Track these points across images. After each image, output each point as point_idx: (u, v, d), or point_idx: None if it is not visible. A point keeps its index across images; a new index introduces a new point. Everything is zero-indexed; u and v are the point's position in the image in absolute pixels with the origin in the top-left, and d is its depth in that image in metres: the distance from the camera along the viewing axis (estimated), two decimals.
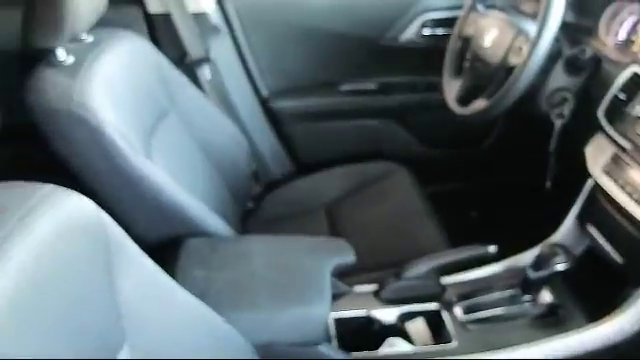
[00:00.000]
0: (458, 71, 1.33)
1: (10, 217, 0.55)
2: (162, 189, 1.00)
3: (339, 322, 1.04)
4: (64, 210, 0.60)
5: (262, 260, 0.96)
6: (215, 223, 1.07)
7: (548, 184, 1.14)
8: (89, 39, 1.10)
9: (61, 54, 1.00)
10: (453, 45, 1.35)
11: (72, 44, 1.03)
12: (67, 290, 0.58)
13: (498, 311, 1.05)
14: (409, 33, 1.55)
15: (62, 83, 0.95)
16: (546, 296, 1.06)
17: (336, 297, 1.00)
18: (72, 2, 0.93)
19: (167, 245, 1.01)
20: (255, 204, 1.52)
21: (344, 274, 1.05)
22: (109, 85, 1.01)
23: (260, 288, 0.90)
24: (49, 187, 0.62)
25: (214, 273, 0.92)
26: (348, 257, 1.01)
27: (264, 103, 1.59)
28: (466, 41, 1.31)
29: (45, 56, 1.01)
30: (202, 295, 0.78)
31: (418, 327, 1.05)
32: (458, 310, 1.05)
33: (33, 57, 1.02)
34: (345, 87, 1.60)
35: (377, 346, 1.01)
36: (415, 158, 1.60)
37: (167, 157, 1.13)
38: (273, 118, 1.61)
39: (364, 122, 1.64)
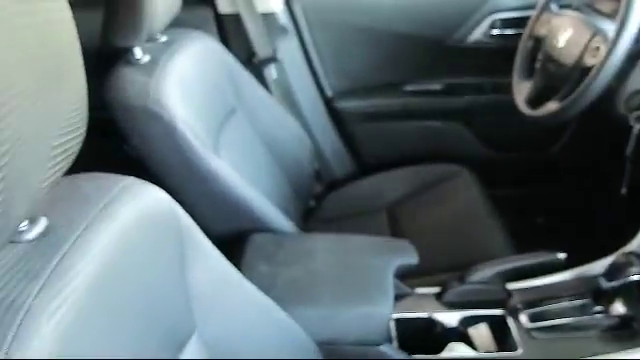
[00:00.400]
0: (529, 72, 1.30)
1: (94, 206, 0.58)
2: (229, 184, 1.03)
3: (399, 323, 1.03)
4: (143, 201, 0.62)
5: (326, 258, 0.97)
6: (280, 220, 1.09)
7: (624, 190, 1.09)
8: (163, 39, 1.15)
9: (138, 53, 1.04)
10: (524, 45, 1.31)
11: (148, 43, 1.08)
12: (143, 278, 0.61)
13: (567, 321, 1.01)
14: (477, 33, 1.52)
15: (139, 81, 0.99)
16: (619, 307, 1.01)
17: (397, 298, 0.99)
18: (150, 4, 0.97)
19: (233, 239, 1.03)
20: (316, 203, 1.53)
21: (405, 275, 1.04)
22: (182, 83, 1.05)
23: (323, 285, 0.91)
24: (129, 179, 0.65)
25: (278, 269, 0.93)
26: (411, 258, 1.01)
27: (328, 103, 1.60)
28: (538, 41, 1.28)
29: (123, 55, 1.06)
30: (266, 290, 0.79)
31: (481, 333, 1.02)
32: (524, 317, 1.02)
33: (112, 55, 1.07)
34: (409, 87, 1.59)
35: (437, 349, 1.00)
36: (479, 161, 1.56)
37: (234, 154, 1.16)
38: (336, 118, 1.61)
39: (428, 123, 1.62)
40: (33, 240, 0.52)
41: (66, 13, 0.47)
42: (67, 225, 0.55)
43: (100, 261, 0.54)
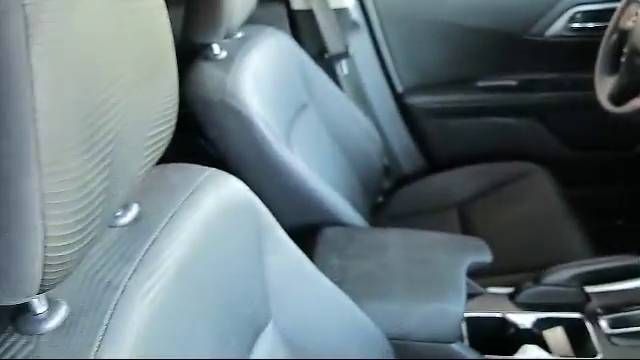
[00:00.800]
0: (613, 67, 1.24)
1: (180, 195, 0.60)
2: (302, 178, 1.05)
3: (471, 322, 1.02)
4: (225, 191, 0.65)
5: (397, 252, 0.97)
6: (350, 214, 1.09)
7: None
8: (239, 35, 1.18)
9: (216, 49, 1.08)
10: (608, 39, 1.25)
11: (225, 40, 1.11)
12: (225, 265, 0.63)
13: None
14: (557, 27, 1.46)
15: (217, 76, 1.03)
16: None
17: (469, 297, 0.97)
18: (229, 2, 1.00)
19: (304, 233, 1.05)
20: (384, 199, 1.52)
21: (476, 274, 1.02)
22: (257, 78, 1.07)
23: (395, 280, 0.91)
24: (212, 170, 0.67)
25: (350, 262, 0.94)
26: (484, 256, 0.99)
27: (399, 99, 1.59)
28: (623, 34, 1.21)
29: (201, 51, 1.09)
30: (338, 284, 0.80)
31: (557, 336, 0.99)
32: (604, 322, 0.98)
33: (191, 52, 1.11)
34: (483, 83, 1.55)
35: (510, 351, 0.97)
36: (555, 159, 1.51)
37: (305, 148, 1.18)
38: (407, 114, 1.60)
39: (502, 120, 1.58)
40: (126, 225, 0.55)
41: (163, 11, 0.49)
42: (156, 212, 0.57)
43: (186, 247, 0.56)
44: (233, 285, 0.64)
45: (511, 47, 1.51)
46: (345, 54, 1.46)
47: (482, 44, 1.52)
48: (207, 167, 0.67)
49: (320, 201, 1.06)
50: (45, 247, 0.35)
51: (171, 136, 0.54)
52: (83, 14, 0.36)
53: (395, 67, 1.58)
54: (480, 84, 1.55)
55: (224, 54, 1.08)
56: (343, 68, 1.48)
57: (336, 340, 0.77)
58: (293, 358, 0.72)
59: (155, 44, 0.47)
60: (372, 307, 0.85)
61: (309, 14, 1.43)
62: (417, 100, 1.59)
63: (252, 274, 0.68)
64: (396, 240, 1.02)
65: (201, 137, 1.07)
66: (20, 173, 0.32)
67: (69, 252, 0.37)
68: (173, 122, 0.53)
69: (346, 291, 0.80)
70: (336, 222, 1.07)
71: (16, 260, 0.35)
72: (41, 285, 0.37)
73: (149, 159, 0.50)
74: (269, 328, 0.70)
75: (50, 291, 0.40)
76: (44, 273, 0.36)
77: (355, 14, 1.47)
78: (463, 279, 0.91)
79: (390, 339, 0.86)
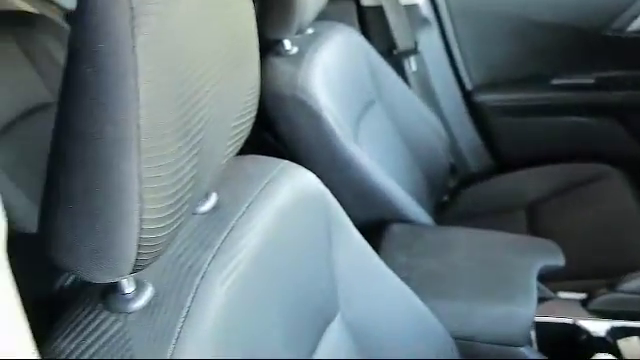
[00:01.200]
0: None
1: (256, 185, 0.62)
2: (369, 173, 1.05)
3: (540, 327, 0.99)
4: (299, 183, 0.66)
5: (465, 252, 0.95)
6: (416, 211, 1.09)
7: None
8: (309, 31, 1.19)
9: (287, 45, 1.09)
10: None
11: (296, 36, 1.13)
12: (296, 255, 0.64)
13: None
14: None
15: (288, 71, 1.04)
16: None
17: (539, 301, 0.95)
18: None
19: (370, 228, 1.05)
20: (450, 197, 1.50)
21: (546, 278, 0.99)
22: (326, 74, 1.08)
23: (462, 280, 0.90)
24: (285, 162, 0.68)
25: (416, 260, 0.93)
26: (556, 260, 0.96)
27: (467, 96, 1.56)
28: None
29: (273, 46, 1.11)
30: (404, 280, 0.80)
31: (632, 346, 0.95)
32: None
33: (262, 47, 1.13)
34: (557, 81, 1.49)
35: (580, 359, 0.94)
36: (634, 161, 1.43)
37: (372, 144, 1.18)
38: (475, 112, 1.57)
39: (576, 119, 1.51)
40: (205, 213, 0.57)
41: (249, 5, 0.51)
42: (234, 201, 0.59)
43: (262, 236, 0.58)
44: (303, 275, 0.65)
45: (589, 43, 1.44)
46: (414, 50, 1.45)
47: (557, 40, 1.47)
48: (281, 159, 0.69)
49: (386, 197, 1.06)
50: (141, 229, 0.36)
51: (251, 127, 0.55)
52: (181, 6, 0.38)
53: (465, 64, 1.55)
54: (554, 82, 1.50)
55: (295, 50, 1.10)
56: (411, 65, 1.47)
57: (401, 336, 0.77)
58: (358, 351, 0.72)
59: (241, 37, 0.49)
60: (438, 305, 0.84)
61: (378, 10, 1.43)
62: (487, 98, 1.55)
63: (321, 266, 0.69)
64: (464, 239, 1.01)
65: (266, 131, 1.09)
66: (122, 158, 0.34)
67: (161, 235, 0.39)
68: (254, 114, 0.55)
69: (412, 288, 0.80)
70: (402, 219, 1.06)
71: (113, 240, 0.37)
72: (134, 265, 0.39)
73: (231, 149, 0.52)
74: (336, 321, 0.70)
75: (136, 273, 0.43)
76: (138, 254, 0.38)
77: (425, 10, 1.46)
78: (534, 282, 0.88)
79: (455, 338, 0.85)
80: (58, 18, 1.53)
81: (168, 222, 0.39)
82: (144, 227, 0.37)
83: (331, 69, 1.11)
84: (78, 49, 0.34)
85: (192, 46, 0.39)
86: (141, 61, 0.34)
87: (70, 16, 1.53)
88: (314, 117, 1.00)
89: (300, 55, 1.09)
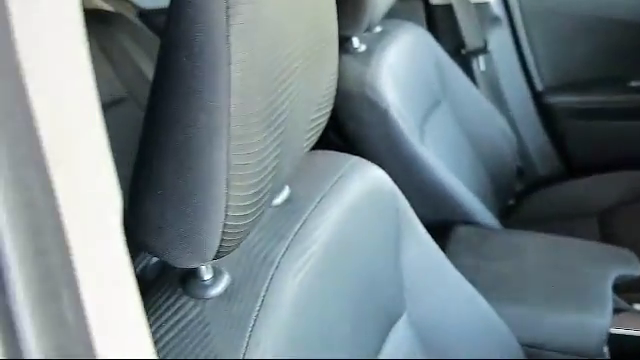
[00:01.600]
0: None
1: (328, 180, 0.62)
2: (435, 173, 1.03)
3: (613, 339, 0.94)
4: (369, 179, 0.66)
5: (535, 257, 0.92)
6: (483, 213, 1.06)
7: None
8: (377, 29, 1.19)
9: (356, 42, 1.09)
10: None
11: (365, 33, 1.12)
12: (365, 252, 0.64)
13: None
14: None
15: (357, 69, 1.04)
16: None
17: (613, 312, 0.90)
18: None
19: (436, 229, 1.03)
20: (516, 201, 1.46)
21: (622, 289, 0.94)
22: (394, 73, 1.07)
23: (532, 286, 0.87)
24: (356, 158, 0.68)
25: (484, 263, 0.91)
26: (633, 269, 0.91)
27: (537, 97, 1.51)
28: None
29: (342, 44, 1.11)
30: (470, 282, 0.78)
31: None
32: None
33: None
34: (637, 83, 1.42)
35: None
36: None
37: (438, 144, 1.16)
38: (546, 114, 1.52)
39: None
40: (278, 205, 0.58)
41: (332, 8, 0.51)
42: (306, 195, 0.60)
43: (332, 230, 0.58)
44: (371, 273, 0.65)
45: None
46: (483, 50, 1.42)
47: (636, 40, 1.40)
48: (352, 155, 0.69)
49: (453, 198, 1.04)
50: (226, 215, 0.37)
51: (327, 122, 0.55)
52: None
53: (536, 64, 1.50)
54: (633, 84, 1.43)
55: (363, 48, 1.09)
56: (480, 64, 1.43)
57: (468, 339, 0.75)
58: (424, 352, 0.71)
59: (324, 30, 0.49)
60: (506, 310, 0.82)
61: (447, 9, 1.40)
62: (558, 99, 1.50)
63: (389, 264, 0.68)
64: (534, 244, 0.97)
65: (330, 129, 1.09)
66: (213, 145, 0.35)
67: (244, 223, 0.39)
68: (330, 108, 0.55)
69: (479, 291, 0.78)
70: (469, 220, 1.04)
71: (201, 226, 0.38)
72: (217, 252, 0.40)
73: (308, 142, 0.52)
74: (402, 320, 0.70)
75: (215, 260, 0.43)
76: (222, 240, 0.39)
77: (496, 8, 1.42)
78: (609, 291, 0.84)
79: (522, 345, 0.83)
80: (132, 16, 1.59)
81: (251, 210, 0.40)
82: (229, 214, 0.37)
83: (398, 68, 1.10)
84: (173, 39, 0.35)
85: (280, 37, 0.40)
86: (234, 50, 0.34)
87: (143, 14, 1.59)
88: (381, 115, 1.00)
89: (368, 53, 1.08)
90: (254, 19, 0.36)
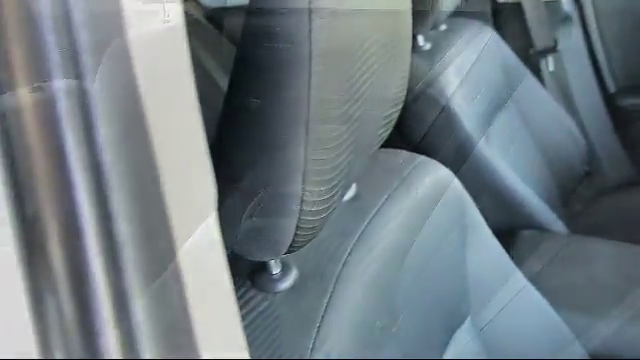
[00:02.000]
0: None
1: (394, 178, 0.62)
2: (500, 175, 1.01)
3: None
4: (436, 178, 0.65)
5: (604, 265, 0.88)
6: (550, 217, 1.03)
7: None
8: (443, 27, 1.17)
9: (421, 40, 1.08)
10: None
11: (430, 32, 1.11)
12: (431, 252, 0.63)
13: None
14: None
15: (421, 67, 1.03)
16: None
17: None
18: None
19: (499, 232, 1.01)
20: (584, 207, 1.40)
21: None
22: (459, 72, 1.05)
23: (604, 295, 0.83)
24: (422, 157, 0.67)
25: (551, 269, 0.88)
26: None
27: (609, 99, 1.45)
28: None
29: None
30: (537, 289, 0.75)
31: None
32: None
33: None
34: None
35: None
36: None
37: (503, 146, 1.13)
38: (618, 116, 1.45)
39: None
40: (345, 202, 0.57)
41: (408, 4, 0.51)
42: (372, 193, 0.59)
43: (398, 230, 0.57)
44: (436, 274, 0.64)
45: None
46: (552, 49, 1.37)
47: None
48: (418, 154, 0.68)
49: (518, 201, 1.01)
50: (301, 210, 0.37)
51: (396, 120, 0.55)
52: None
53: (609, 65, 1.44)
54: None
55: (428, 46, 1.08)
56: (549, 64, 1.39)
57: (533, 347, 0.73)
58: (487, 357, 0.69)
59: (398, 28, 0.49)
60: (575, 320, 0.78)
61: (516, 7, 1.37)
62: (631, 101, 1.43)
63: (454, 266, 0.67)
64: (604, 251, 0.93)
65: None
66: (292, 138, 0.35)
67: (318, 218, 0.39)
68: (402, 104, 0.54)
69: (546, 299, 0.76)
70: (534, 225, 1.01)
71: (277, 220, 0.38)
72: (290, 246, 0.40)
73: (380, 139, 0.52)
74: (466, 324, 0.68)
75: (283, 255, 0.44)
76: (295, 235, 0.39)
77: (568, 7, 1.37)
78: None
79: (593, 356, 0.79)
80: (200, 16, 1.63)
81: (325, 206, 0.40)
82: (304, 208, 0.37)
83: (463, 67, 1.08)
84: (254, 32, 0.35)
85: (358, 31, 0.40)
86: (315, 44, 0.34)
87: (210, 14, 1.62)
88: (446, 115, 0.98)
89: (433, 52, 1.07)
90: (335, 13, 0.36)
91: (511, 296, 0.71)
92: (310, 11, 0.34)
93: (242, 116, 0.36)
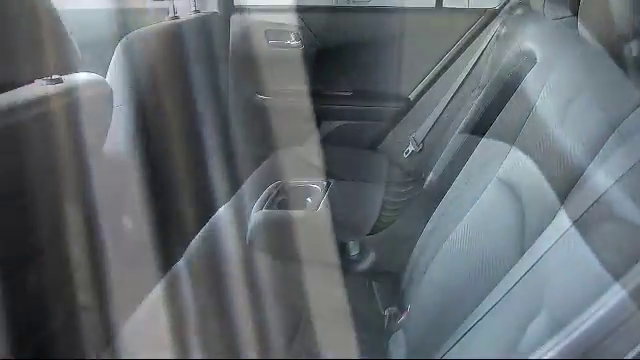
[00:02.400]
0: None
1: (465, 165, 0.61)
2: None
3: None
4: (508, 166, 0.63)
5: None
6: (632, 209, 0.97)
7: None
8: (519, 11, 1.14)
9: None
10: None
11: (505, 16, 1.08)
12: (502, 241, 0.62)
13: None
14: None
15: (496, 51, 1.01)
16: None
17: None
18: None
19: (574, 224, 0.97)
20: None
21: None
22: (532, 57, 1.03)
23: None
24: (499, 143, 0.66)
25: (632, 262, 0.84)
26: None
27: None
28: None
29: None
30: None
31: None
32: None
33: None
34: None
35: None
36: None
37: (577, 132, 1.08)
38: None
39: None
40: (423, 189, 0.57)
41: None
42: (444, 181, 0.59)
43: (472, 218, 0.57)
44: (509, 262, 0.63)
45: None
46: (637, 34, 1.29)
47: None
48: (495, 141, 0.67)
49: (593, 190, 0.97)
50: (386, 192, 0.38)
51: None
52: None
53: None
54: None
55: (504, 31, 1.06)
56: (633, 49, 1.31)
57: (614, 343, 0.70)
58: (563, 350, 0.67)
59: None
60: None
61: None
62: None
63: (528, 255, 0.66)
64: None
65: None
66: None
67: (401, 200, 0.40)
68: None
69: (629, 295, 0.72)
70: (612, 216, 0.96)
71: (361, 202, 0.38)
72: (373, 227, 0.40)
73: None
74: (541, 317, 0.67)
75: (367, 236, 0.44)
76: (380, 216, 0.39)
77: None
78: None
79: None
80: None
81: (407, 189, 0.40)
82: (389, 189, 0.38)
83: (537, 51, 1.05)
84: None
85: None
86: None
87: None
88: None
89: (508, 36, 1.05)
90: None
91: (589, 289, 0.69)
92: None
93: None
